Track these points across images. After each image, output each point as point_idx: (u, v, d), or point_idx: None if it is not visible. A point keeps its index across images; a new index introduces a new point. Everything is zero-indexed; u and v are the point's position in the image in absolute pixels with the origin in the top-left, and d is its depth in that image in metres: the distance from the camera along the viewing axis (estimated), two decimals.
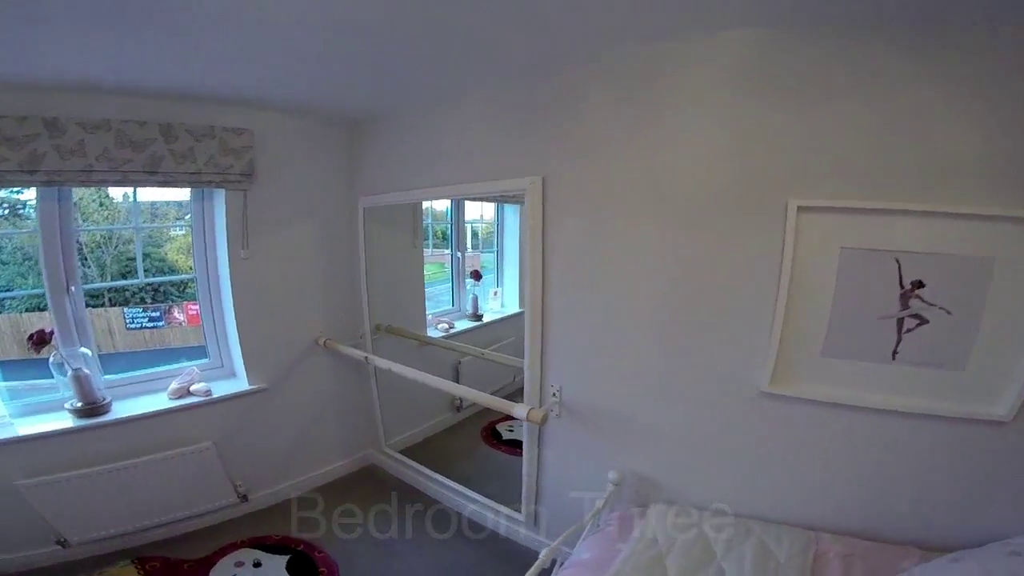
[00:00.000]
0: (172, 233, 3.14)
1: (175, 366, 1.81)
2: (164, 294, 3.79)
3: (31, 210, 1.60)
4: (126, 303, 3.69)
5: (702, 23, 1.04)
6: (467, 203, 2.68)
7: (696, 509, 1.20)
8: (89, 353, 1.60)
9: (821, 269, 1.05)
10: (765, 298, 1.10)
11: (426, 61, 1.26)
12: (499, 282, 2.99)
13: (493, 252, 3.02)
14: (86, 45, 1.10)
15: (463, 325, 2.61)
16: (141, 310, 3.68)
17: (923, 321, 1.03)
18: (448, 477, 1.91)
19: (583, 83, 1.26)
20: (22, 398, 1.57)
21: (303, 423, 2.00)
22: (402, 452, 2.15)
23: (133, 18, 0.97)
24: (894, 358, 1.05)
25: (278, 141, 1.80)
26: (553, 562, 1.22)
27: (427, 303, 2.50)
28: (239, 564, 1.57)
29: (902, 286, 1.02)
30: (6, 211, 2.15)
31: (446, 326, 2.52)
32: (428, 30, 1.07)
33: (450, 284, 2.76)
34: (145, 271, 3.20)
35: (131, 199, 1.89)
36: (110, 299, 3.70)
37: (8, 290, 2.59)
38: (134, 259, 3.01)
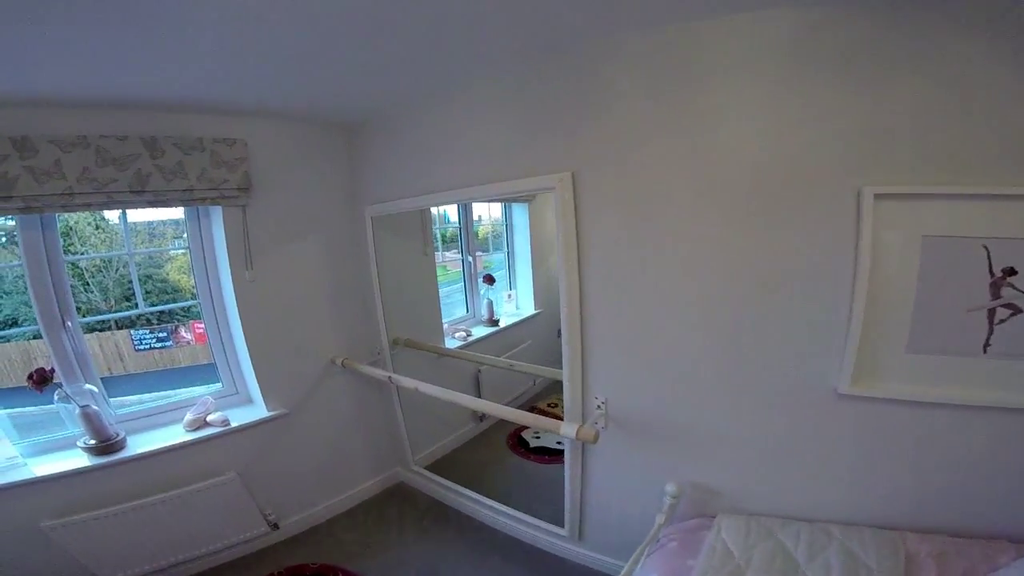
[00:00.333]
0: (172, 252, 3.03)
1: (185, 392, 1.73)
2: (170, 314, 3.72)
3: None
4: (132, 325, 3.64)
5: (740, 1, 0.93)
6: (473, 204, 2.56)
7: (766, 517, 1.14)
8: (95, 389, 1.52)
9: (902, 260, 0.97)
10: (838, 294, 1.01)
11: (426, 47, 1.12)
12: (511, 284, 2.88)
13: (501, 252, 2.90)
14: (52, 49, 0.96)
15: (480, 332, 2.51)
16: (148, 332, 3.64)
17: (1017, 311, 0.94)
18: (479, 492, 1.84)
19: (610, 66, 1.14)
20: (29, 435, 1.49)
21: (327, 445, 1.93)
22: (429, 468, 2.09)
23: (104, 15, 0.83)
24: (985, 351, 0.97)
25: (273, 151, 1.67)
26: None
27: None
28: None
29: (992, 274, 0.94)
30: (2, 238, 2.05)
31: (463, 334, 2.42)
32: (425, 13, 0.93)
33: (462, 288, 2.66)
34: (148, 293, 3.11)
35: (129, 220, 1.77)
36: (116, 322, 3.65)
37: (8, 326, 2.51)
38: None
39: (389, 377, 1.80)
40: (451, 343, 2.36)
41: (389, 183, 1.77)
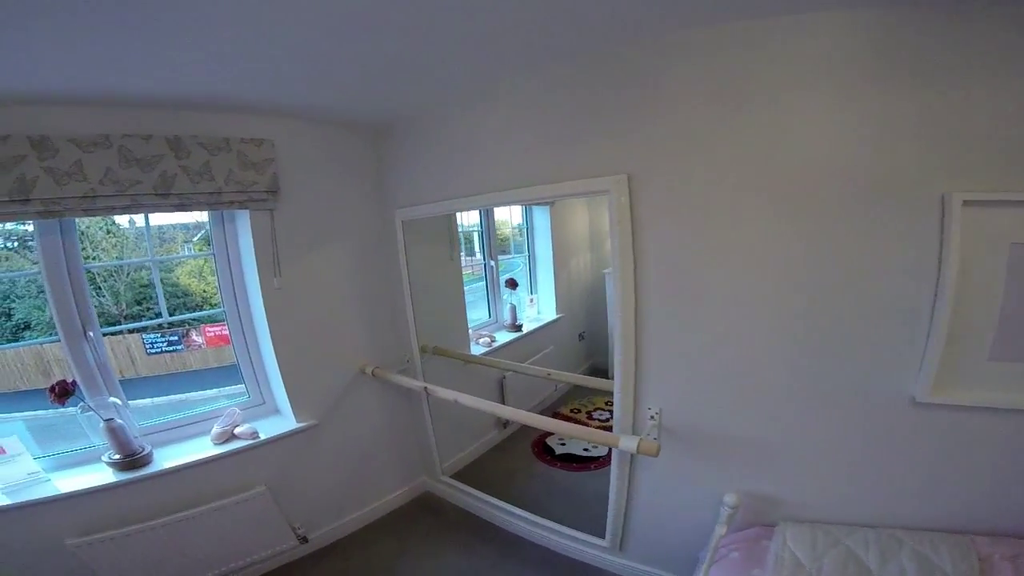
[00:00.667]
0: (186, 257, 2.97)
1: (196, 394, 1.64)
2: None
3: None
4: (143, 328, 3.59)
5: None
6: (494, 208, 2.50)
7: (830, 524, 1.11)
8: (119, 402, 1.46)
9: (988, 268, 0.93)
10: (918, 303, 0.97)
11: (470, 46, 1.07)
12: (532, 288, 2.82)
13: (523, 256, 2.84)
14: (73, 47, 0.90)
15: (503, 337, 2.46)
16: (159, 335, 3.58)
17: None
18: (508, 501, 1.79)
19: (671, 66, 1.08)
20: (47, 440, 1.42)
21: (356, 456, 1.87)
22: (454, 476, 2.04)
23: (128, 14, 0.78)
24: None
25: (300, 152, 1.61)
26: None
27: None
28: None
29: None
30: (15, 244, 1.98)
31: (488, 340, 2.37)
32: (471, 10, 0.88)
33: (478, 289, 2.60)
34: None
35: (138, 225, 1.71)
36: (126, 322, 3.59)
37: (22, 330, 2.45)
38: (147, 286, 2.82)
39: (424, 388, 1.74)
40: (476, 349, 2.31)
41: (420, 186, 1.72)
